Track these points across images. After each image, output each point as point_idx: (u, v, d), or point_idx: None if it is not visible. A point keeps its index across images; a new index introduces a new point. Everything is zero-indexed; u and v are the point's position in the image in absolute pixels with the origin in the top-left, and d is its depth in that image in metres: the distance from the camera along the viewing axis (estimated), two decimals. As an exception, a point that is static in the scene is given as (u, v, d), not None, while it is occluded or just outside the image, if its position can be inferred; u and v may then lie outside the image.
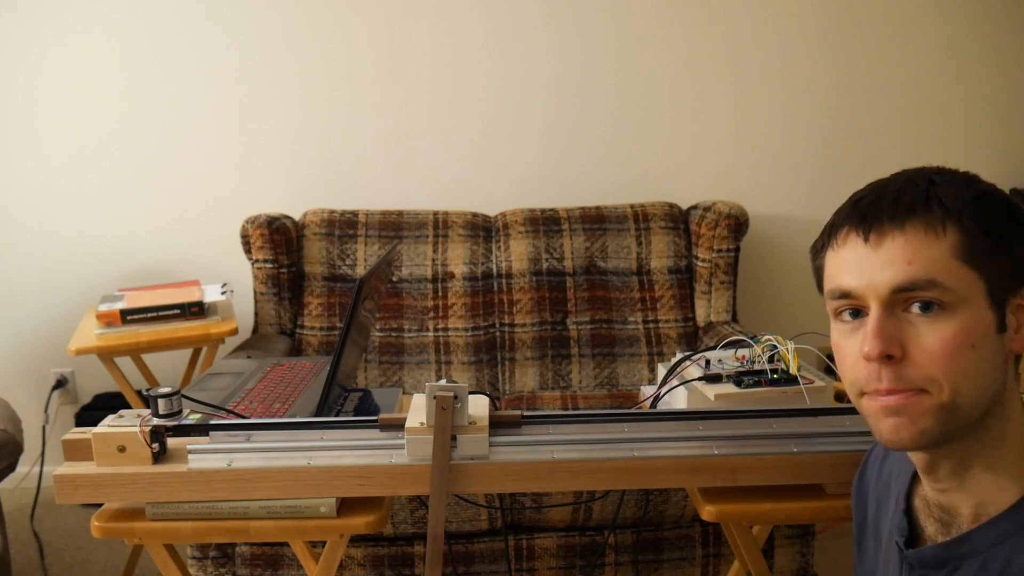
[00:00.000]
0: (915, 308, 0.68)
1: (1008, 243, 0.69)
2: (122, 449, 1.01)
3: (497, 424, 1.04)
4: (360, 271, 2.23)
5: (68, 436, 1.07)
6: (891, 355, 0.68)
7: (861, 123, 2.48)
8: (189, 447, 1.02)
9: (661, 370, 1.25)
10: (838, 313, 0.74)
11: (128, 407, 1.33)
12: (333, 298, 2.23)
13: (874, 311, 0.69)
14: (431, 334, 2.21)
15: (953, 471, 0.72)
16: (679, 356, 1.24)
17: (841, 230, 0.73)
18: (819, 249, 0.76)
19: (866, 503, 0.87)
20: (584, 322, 2.22)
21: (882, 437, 0.71)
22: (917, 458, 0.75)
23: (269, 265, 2.19)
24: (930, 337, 0.67)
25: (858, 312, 0.72)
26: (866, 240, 0.70)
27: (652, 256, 2.26)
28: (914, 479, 0.79)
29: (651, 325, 2.23)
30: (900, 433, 0.70)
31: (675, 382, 1.20)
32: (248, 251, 2.21)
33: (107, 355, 1.94)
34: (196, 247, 2.49)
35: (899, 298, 0.69)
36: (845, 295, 0.72)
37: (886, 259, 0.69)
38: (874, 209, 0.70)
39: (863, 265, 0.70)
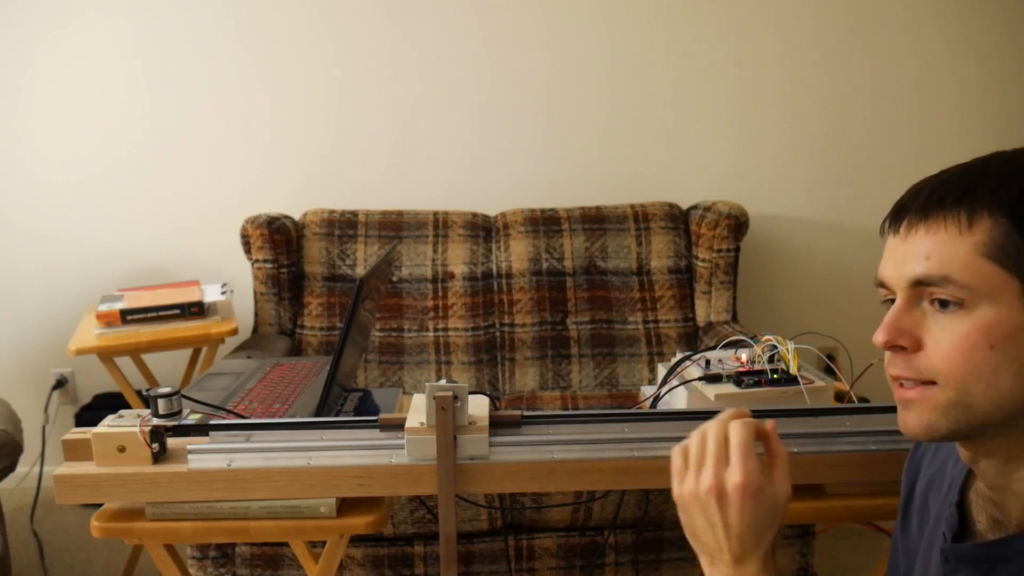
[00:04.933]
0: (935, 303, 0.68)
1: None
2: (122, 449, 1.01)
3: (497, 424, 1.04)
4: (360, 271, 2.23)
5: (68, 436, 1.07)
6: (899, 346, 0.69)
7: (861, 123, 2.48)
8: (189, 447, 1.02)
9: (661, 370, 1.25)
10: (883, 300, 0.74)
11: (128, 407, 1.33)
12: (333, 298, 2.23)
13: (896, 302, 0.70)
14: (431, 334, 2.21)
15: (999, 470, 0.70)
16: (679, 356, 1.24)
17: (888, 218, 0.73)
18: (882, 234, 0.76)
19: (915, 479, 0.86)
20: (584, 322, 2.22)
21: (900, 426, 0.72)
22: (960, 451, 0.74)
23: (269, 265, 2.19)
24: (944, 333, 0.67)
25: (894, 301, 0.72)
26: (896, 232, 0.70)
27: (652, 256, 2.26)
28: (970, 472, 0.78)
29: (651, 325, 2.23)
30: (909, 425, 0.71)
31: (675, 382, 1.19)
32: (248, 251, 2.21)
33: (107, 355, 1.94)
34: (196, 247, 2.49)
35: (920, 292, 0.69)
36: (881, 284, 0.73)
37: (910, 252, 0.69)
38: (912, 199, 0.70)
39: (894, 256, 0.70)
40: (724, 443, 0.74)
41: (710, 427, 0.76)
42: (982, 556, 0.70)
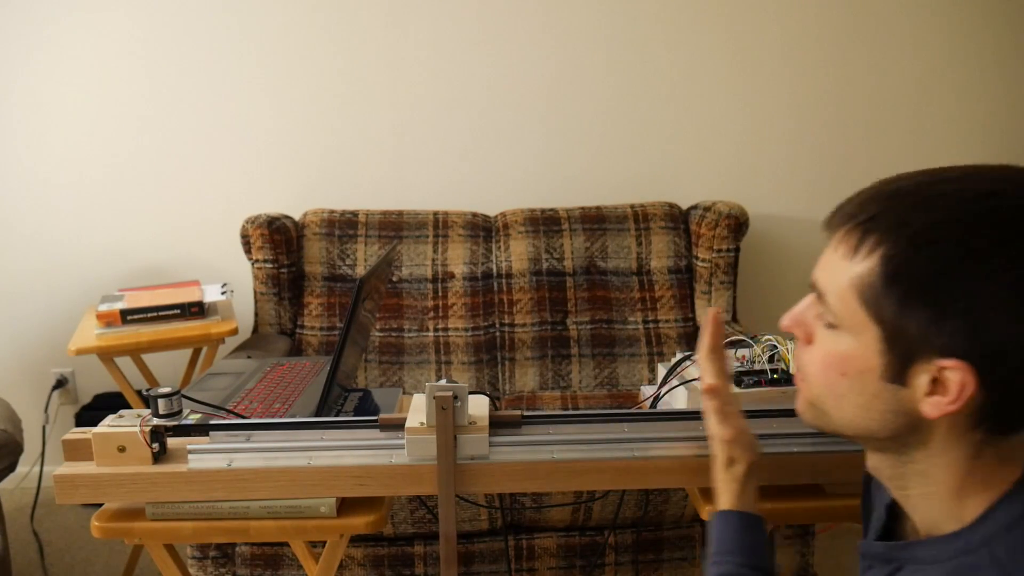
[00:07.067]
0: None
1: (926, 305, 0.61)
2: (122, 449, 1.01)
3: (497, 424, 1.04)
4: (360, 271, 2.23)
5: (68, 436, 1.07)
6: (794, 335, 0.75)
7: (861, 123, 2.48)
8: (189, 447, 1.02)
9: (661, 370, 1.25)
10: None
11: (128, 407, 1.33)
12: (333, 298, 2.23)
13: (809, 295, 0.73)
14: (431, 334, 2.21)
15: (892, 484, 0.73)
16: (679, 356, 1.24)
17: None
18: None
19: (870, 477, 0.88)
20: (584, 322, 2.22)
21: None
22: None
23: (269, 265, 2.19)
24: (819, 341, 0.71)
25: None
26: (826, 228, 0.71)
27: (652, 256, 2.26)
28: None
29: (651, 325, 2.23)
30: (796, 405, 0.78)
31: (675, 382, 1.20)
32: (248, 251, 2.21)
33: (107, 355, 1.94)
34: (196, 247, 2.49)
35: None
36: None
37: (822, 257, 0.71)
38: (844, 203, 0.70)
39: (823, 254, 0.72)
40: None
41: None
42: (889, 556, 0.73)
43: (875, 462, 0.73)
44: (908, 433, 0.67)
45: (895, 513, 0.78)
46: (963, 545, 0.65)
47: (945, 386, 0.63)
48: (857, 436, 0.71)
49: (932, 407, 0.64)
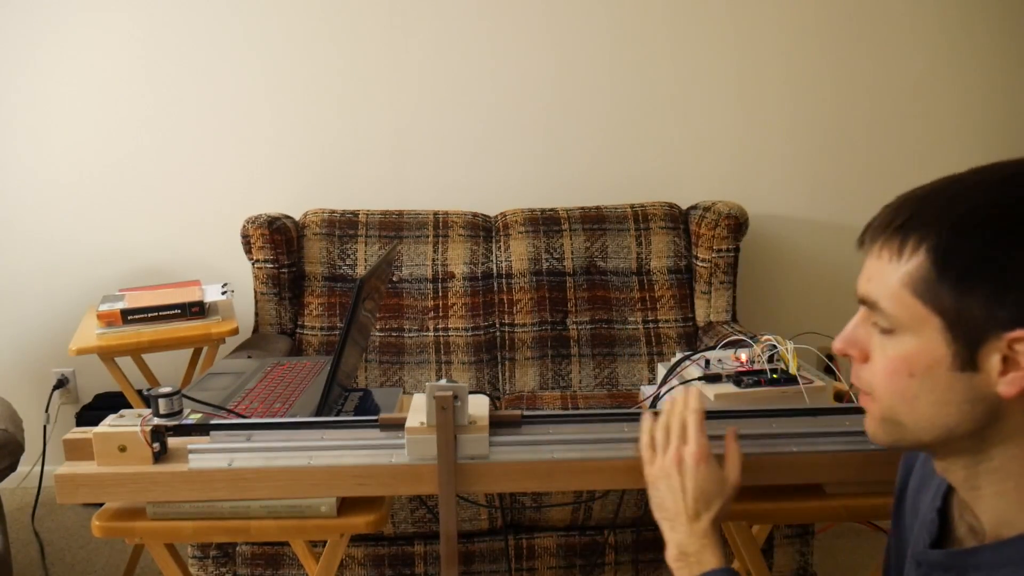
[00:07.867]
0: (876, 323, 0.71)
1: (983, 283, 0.63)
2: (123, 449, 1.02)
3: (497, 424, 1.04)
4: (360, 271, 2.23)
5: (69, 436, 1.07)
6: (849, 355, 0.73)
7: (861, 123, 2.49)
8: (190, 447, 1.02)
9: (661, 370, 1.25)
10: None
11: (129, 407, 1.33)
12: (333, 298, 2.23)
13: (856, 314, 0.73)
14: (431, 334, 2.22)
15: (963, 485, 0.72)
16: (679, 356, 1.24)
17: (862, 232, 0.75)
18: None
19: (909, 473, 0.87)
20: (584, 322, 2.23)
21: None
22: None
23: (269, 265, 2.19)
24: (878, 353, 0.71)
25: None
26: (860, 246, 0.72)
27: (652, 256, 2.26)
28: None
29: (651, 325, 2.23)
30: (866, 428, 0.75)
31: (675, 382, 1.20)
32: (249, 251, 2.21)
33: (108, 355, 1.95)
34: (197, 247, 2.49)
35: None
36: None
37: (865, 269, 0.71)
38: (876, 217, 0.71)
39: (863, 269, 0.73)
40: (682, 426, 0.92)
41: (671, 415, 0.93)
42: (950, 564, 0.72)
43: (946, 465, 0.72)
44: (987, 423, 0.66)
45: (945, 519, 0.77)
46: None
47: (1017, 362, 0.63)
48: (937, 439, 0.69)
49: (1008, 385, 0.64)
